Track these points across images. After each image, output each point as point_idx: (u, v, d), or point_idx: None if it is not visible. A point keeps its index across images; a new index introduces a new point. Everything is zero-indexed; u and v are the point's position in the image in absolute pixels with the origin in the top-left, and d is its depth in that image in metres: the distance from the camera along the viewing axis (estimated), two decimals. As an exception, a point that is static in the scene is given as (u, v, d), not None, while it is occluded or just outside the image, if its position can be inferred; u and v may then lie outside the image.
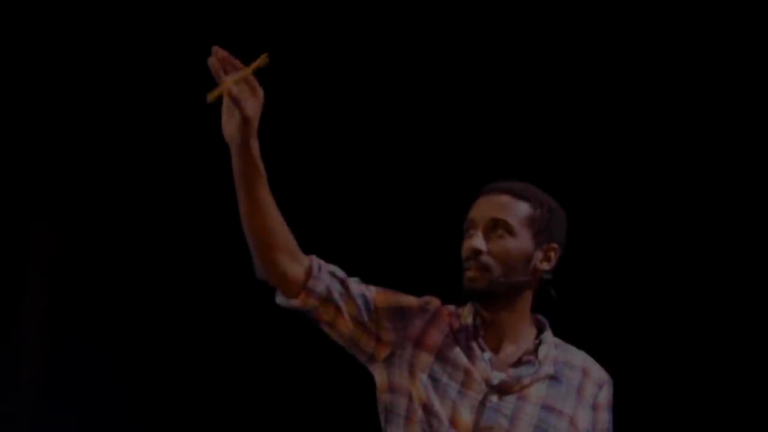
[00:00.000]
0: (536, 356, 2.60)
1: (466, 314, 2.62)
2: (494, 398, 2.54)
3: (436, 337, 2.58)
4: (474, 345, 2.58)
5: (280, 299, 2.52)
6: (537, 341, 2.62)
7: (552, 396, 2.59)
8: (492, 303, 2.58)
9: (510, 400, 2.55)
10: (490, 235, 2.56)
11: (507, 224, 2.56)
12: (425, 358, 2.55)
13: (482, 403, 2.54)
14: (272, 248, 2.41)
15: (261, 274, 2.46)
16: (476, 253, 2.55)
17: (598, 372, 2.67)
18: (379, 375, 2.59)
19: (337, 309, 2.52)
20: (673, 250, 5.22)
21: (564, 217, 2.65)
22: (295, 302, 2.49)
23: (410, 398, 2.54)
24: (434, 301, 2.64)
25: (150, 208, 5.40)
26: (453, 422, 2.51)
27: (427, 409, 2.52)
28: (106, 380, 5.40)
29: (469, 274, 2.55)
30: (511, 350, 2.61)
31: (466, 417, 2.52)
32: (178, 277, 5.42)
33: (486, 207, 2.59)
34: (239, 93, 2.29)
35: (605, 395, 2.66)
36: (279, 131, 5.13)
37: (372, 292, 2.57)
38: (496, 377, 2.56)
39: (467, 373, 2.55)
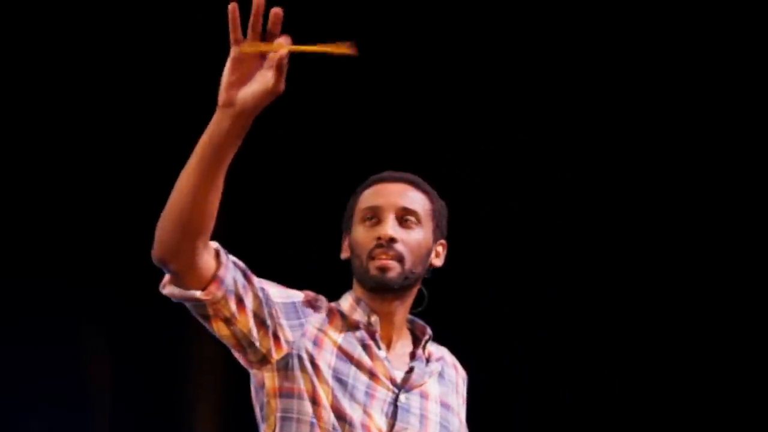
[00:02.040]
0: (423, 352, 2.52)
1: (353, 309, 2.47)
2: (403, 398, 2.43)
3: (334, 335, 2.42)
4: (371, 343, 2.44)
5: (172, 290, 2.21)
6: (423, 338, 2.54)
7: (443, 392, 2.54)
8: (395, 296, 2.46)
9: (415, 398, 2.47)
10: (400, 225, 2.45)
11: (417, 215, 2.47)
12: (328, 359, 2.38)
13: (394, 403, 2.42)
14: (198, 233, 2.12)
15: (166, 258, 2.15)
16: (391, 241, 2.42)
17: (461, 367, 2.63)
18: (271, 378, 2.36)
19: (240, 303, 2.26)
20: (669, 250, 5.21)
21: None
22: (199, 293, 2.19)
23: (316, 402, 2.35)
24: (321, 297, 2.49)
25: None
26: (365, 426, 2.37)
27: (339, 413, 2.35)
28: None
29: (382, 263, 2.42)
30: (401, 346, 2.51)
31: (380, 420, 2.39)
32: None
33: (392, 195, 2.48)
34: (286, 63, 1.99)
35: (466, 389, 2.63)
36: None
37: (266, 285, 2.36)
38: (398, 375, 2.45)
39: (371, 372, 2.42)
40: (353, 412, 2.36)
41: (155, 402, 5.31)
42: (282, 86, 1.99)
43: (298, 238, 5.12)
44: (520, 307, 5.19)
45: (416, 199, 2.49)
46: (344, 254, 2.51)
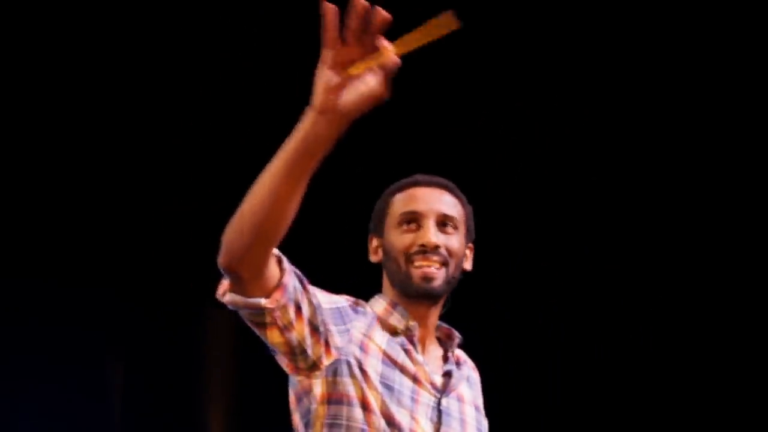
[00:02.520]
0: (452, 356, 2.53)
1: (388, 313, 2.47)
2: (444, 402, 2.45)
3: (378, 340, 2.41)
4: (411, 347, 2.44)
5: (233, 298, 2.17)
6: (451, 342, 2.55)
7: (474, 395, 2.56)
8: (435, 301, 2.47)
9: (454, 402, 2.48)
10: (440, 230, 2.45)
11: (454, 220, 2.48)
12: (374, 364, 2.37)
13: (437, 408, 2.43)
14: (275, 240, 2.07)
15: (236, 265, 2.10)
16: (435, 248, 2.43)
17: (474, 366, 2.64)
18: (319, 384, 2.33)
19: (298, 310, 2.24)
20: (664, 250, 5.23)
21: None
22: (264, 301, 2.16)
23: (366, 408, 2.33)
24: (362, 302, 2.47)
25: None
26: (413, 431, 2.37)
27: (389, 419, 2.34)
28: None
29: (425, 271, 2.42)
30: (433, 350, 2.52)
31: (425, 424, 2.39)
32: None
33: (431, 200, 2.48)
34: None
35: None
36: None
37: (315, 290, 2.32)
38: (437, 380, 2.46)
39: (415, 377, 2.42)
40: (401, 417, 2.35)
41: (166, 405, 5.33)
42: (387, 91, 1.89)
43: (315, 242, 5.15)
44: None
45: (453, 205, 2.50)
46: (374, 257, 2.51)
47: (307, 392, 2.34)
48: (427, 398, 2.42)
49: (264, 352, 2.32)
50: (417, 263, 2.42)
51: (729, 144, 5.07)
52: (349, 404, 2.33)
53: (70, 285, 5.21)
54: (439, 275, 2.43)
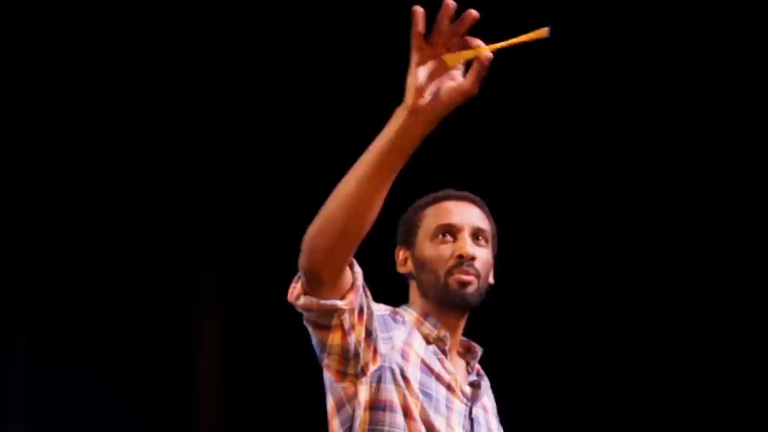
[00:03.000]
0: (474, 366, 2.61)
1: (420, 323, 2.52)
2: (474, 410, 2.51)
3: (417, 348, 2.45)
4: (443, 357, 2.50)
5: (309, 300, 2.19)
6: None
7: (492, 405, 2.64)
8: (466, 311, 2.55)
9: (480, 411, 2.55)
10: (474, 243, 2.53)
11: (486, 234, 2.56)
12: (414, 372, 2.41)
13: (469, 416, 2.50)
14: (358, 240, 2.10)
15: (320, 267, 2.12)
16: (472, 259, 2.49)
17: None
18: (365, 390, 2.36)
19: (360, 313, 2.26)
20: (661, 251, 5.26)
21: None
22: (341, 303, 2.19)
23: (408, 415, 2.37)
24: (399, 310, 2.52)
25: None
26: None
27: (428, 426, 2.39)
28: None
29: (465, 278, 2.49)
30: (458, 361, 2.59)
31: None
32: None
33: (465, 214, 2.56)
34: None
35: None
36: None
37: None
38: (466, 389, 2.53)
39: (449, 386, 2.48)
40: (439, 424, 2.40)
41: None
42: (477, 88, 1.90)
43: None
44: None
45: (483, 219, 2.58)
46: (403, 269, 2.58)
47: (351, 399, 2.37)
48: (459, 407, 2.48)
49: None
50: (456, 274, 2.48)
51: (729, 145, 5.09)
52: (392, 410, 2.36)
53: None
54: (474, 284, 2.49)
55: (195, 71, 5.10)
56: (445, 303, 2.51)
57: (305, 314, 2.23)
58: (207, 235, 5.41)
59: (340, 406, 2.39)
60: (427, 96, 1.91)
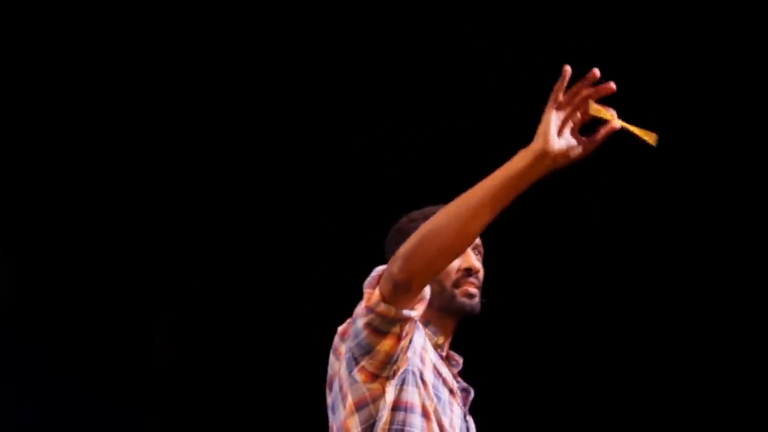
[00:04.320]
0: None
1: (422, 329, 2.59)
2: (466, 415, 2.62)
3: (429, 353, 2.55)
4: (443, 362, 2.60)
5: (388, 309, 2.34)
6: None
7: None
8: (460, 321, 2.64)
9: (469, 417, 2.64)
10: (476, 258, 2.65)
11: (481, 249, 2.67)
12: (429, 375, 2.51)
13: (465, 420, 2.59)
14: (453, 259, 2.34)
15: (416, 280, 2.30)
16: (477, 272, 2.61)
17: None
18: (392, 392, 2.44)
19: (414, 322, 2.44)
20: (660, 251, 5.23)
21: None
22: (414, 313, 2.36)
23: (426, 416, 2.46)
24: None
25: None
26: None
27: (441, 428, 2.48)
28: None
29: (472, 290, 2.59)
30: (448, 366, 2.65)
31: None
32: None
33: None
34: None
35: None
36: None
37: None
38: (459, 394, 2.61)
39: (451, 390, 2.57)
40: (449, 427, 2.49)
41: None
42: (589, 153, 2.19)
43: (337, 252, 5.19)
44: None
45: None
46: None
47: (377, 399, 2.43)
48: (458, 410, 2.56)
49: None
50: (463, 286, 2.59)
51: (729, 146, 5.07)
52: (412, 412, 2.44)
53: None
54: (478, 295, 2.61)
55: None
56: (450, 312, 2.60)
57: (369, 318, 2.35)
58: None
59: (361, 406, 2.44)
60: (555, 144, 2.17)
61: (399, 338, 2.36)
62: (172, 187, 5.37)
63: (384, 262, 2.55)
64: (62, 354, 5.36)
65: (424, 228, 2.27)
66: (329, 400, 2.51)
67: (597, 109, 2.15)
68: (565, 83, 2.16)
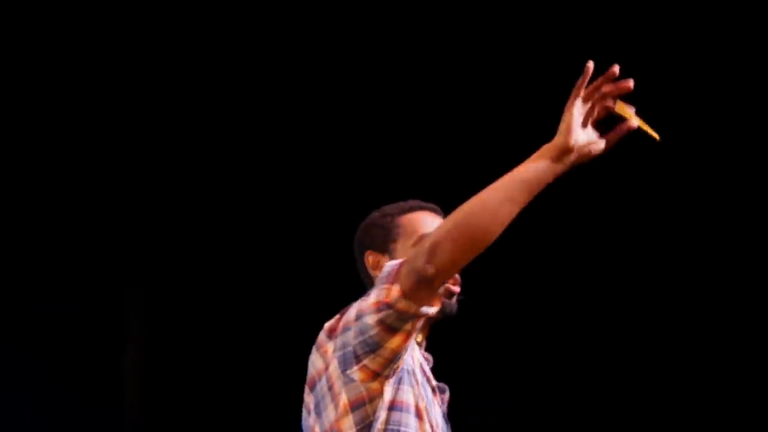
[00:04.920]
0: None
1: None
2: (446, 414, 2.60)
3: (416, 350, 2.53)
4: (424, 362, 2.58)
5: (408, 304, 2.31)
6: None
7: None
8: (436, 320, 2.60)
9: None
10: None
11: None
12: (418, 374, 2.49)
13: (445, 418, 2.58)
14: (477, 254, 2.29)
15: (446, 275, 2.29)
16: (459, 271, 2.57)
17: None
18: (390, 392, 2.41)
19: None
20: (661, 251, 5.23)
21: None
22: (432, 310, 2.34)
23: (419, 416, 2.43)
24: None
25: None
26: None
27: (431, 426, 2.46)
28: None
29: (454, 288, 2.56)
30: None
31: None
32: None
33: None
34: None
35: None
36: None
37: None
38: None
39: (433, 389, 2.55)
40: (435, 426, 2.47)
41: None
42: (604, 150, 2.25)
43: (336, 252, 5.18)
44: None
45: None
46: (376, 272, 2.57)
47: (374, 398, 2.39)
48: (438, 409, 2.54)
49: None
50: (446, 283, 2.50)
51: (729, 147, 5.07)
52: (407, 411, 2.41)
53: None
54: (457, 293, 2.57)
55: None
56: (443, 313, 2.54)
57: (383, 315, 2.30)
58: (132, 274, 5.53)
59: (357, 406, 2.40)
60: (577, 140, 2.22)
61: (408, 336, 2.33)
62: (166, 187, 5.37)
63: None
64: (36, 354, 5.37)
65: (453, 222, 2.25)
66: (309, 400, 2.46)
67: (622, 107, 2.20)
68: (587, 79, 2.21)
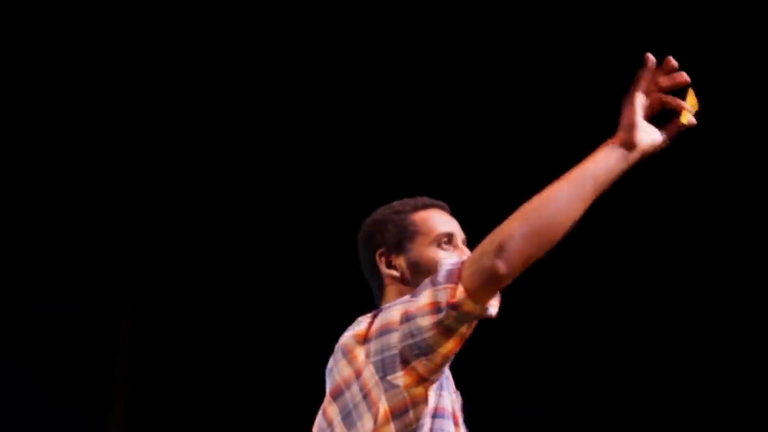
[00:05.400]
0: None
1: None
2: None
3: None
4: None
5: (473, 306, 2.22)
6: None
7: None
8: None
9: None
10: None
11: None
12: (451, 381, 2.45)
13: (465, 425, 2.50)
14: (546, 252, 2.23)
15: (517, 274, 2.21)
16: None
17: None
18: (433, 398, 2.33)
19: None
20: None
21: None
22: (493, 312, 2.25)
23: (455, 422, 2.37)
24: None
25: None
26: None
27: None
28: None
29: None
30: None
31: None
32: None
33: (454, 224, 2.56)
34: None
35: None
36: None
37: None
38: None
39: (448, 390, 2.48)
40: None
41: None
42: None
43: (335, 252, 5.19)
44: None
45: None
46: (391, 272, 2.51)
47: (417, 404, 2.28)
48: (461, 415, 2.46)
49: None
50: None
51: (729, 149, 5.08)
52: (448, 418, 2.35)
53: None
54: None
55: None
56: None
57: (443, 316, 2.21)
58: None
59: (400, 412, 2.28)
60: (644, 135, 2.20)
61: (462, 340, 2.24)
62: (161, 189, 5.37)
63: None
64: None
65: (524, 219, 2.19)
66: (333, 410, 2.33)
67: (693, 101, 2.19)
68: (649, 72, 2.18)
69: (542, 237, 2.18)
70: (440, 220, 2.54)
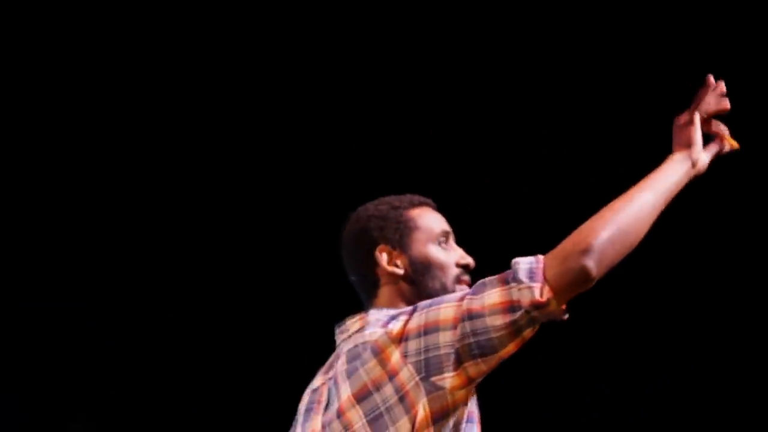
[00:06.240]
0: None
1: None
2: None
3: None
4: None
5: (556, 308, 2.20)
6: None
7: None
8: None
9: None
10: None
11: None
12: None
13: None
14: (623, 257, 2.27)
15: (600, 275, 2.20)
16: (473, 268, 2.50)
17: None
18: (472, 402, 2.29)
19: None
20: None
21: None
22: (566, 315, 2.24)
23: (479, 427, 2.31)
24: None
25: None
26: None
27: None
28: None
29: (466, 285, 2.45)
30: None
31: None
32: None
33: (446, 222, 2.54)
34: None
35: None
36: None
37: None
38: None
39: None
40: None
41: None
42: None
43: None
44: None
45: None
46: (391, 269, 2.45)
47: (458, 407, 2.22)
48: None
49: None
50: (462, 283, 2.44)
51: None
52: (475, 422, 2.30)
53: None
54: None
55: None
56: None
57: (519, 315, 2.17)
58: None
59: (441, 416, 2.21)
60: (703, 153, 2.31)
61: (522, 342, 2.20)
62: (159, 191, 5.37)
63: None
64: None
65: (612, 223, 2.20)
66: (354, 413, 2.20)
67: (731, 141, 2.33)
68: (708, 93, 2.30)
69: (626, 241, 2.20)
70: (436, 218, 2.52)
